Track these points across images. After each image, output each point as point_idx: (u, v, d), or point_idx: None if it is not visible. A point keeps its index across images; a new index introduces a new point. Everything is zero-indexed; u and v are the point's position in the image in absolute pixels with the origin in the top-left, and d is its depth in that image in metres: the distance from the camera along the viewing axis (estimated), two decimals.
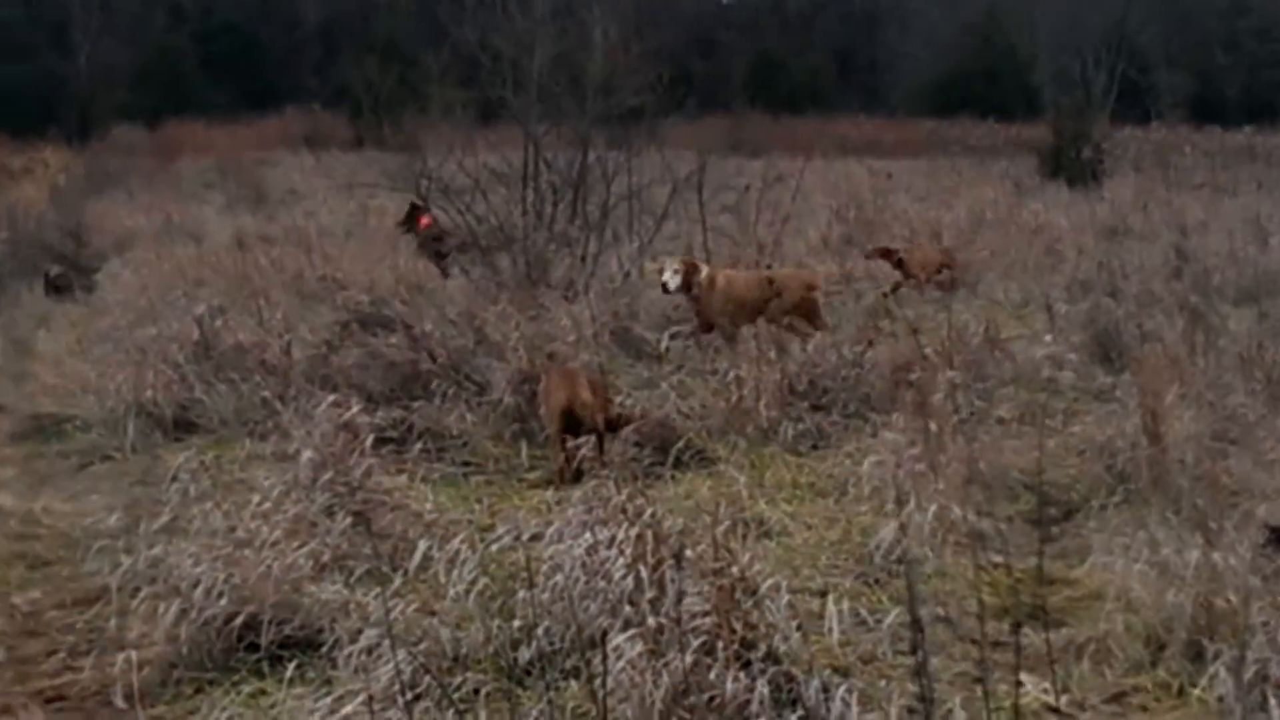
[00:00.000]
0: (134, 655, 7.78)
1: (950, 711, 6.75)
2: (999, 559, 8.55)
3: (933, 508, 9.40)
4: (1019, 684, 6.14)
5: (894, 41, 72.45)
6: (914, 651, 5.22)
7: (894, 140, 50.89)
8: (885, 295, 19.00)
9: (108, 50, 62.42)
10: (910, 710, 6.78)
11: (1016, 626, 6.13)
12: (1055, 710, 6.94)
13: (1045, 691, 7.04)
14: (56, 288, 20.34)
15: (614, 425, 11.63)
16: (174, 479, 10.43)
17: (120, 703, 7.49)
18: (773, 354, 13.34)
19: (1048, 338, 15.24)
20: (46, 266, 20.63)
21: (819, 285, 16.57)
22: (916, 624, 5.25)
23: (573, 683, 6.90)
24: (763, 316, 15.38)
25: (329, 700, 6.59)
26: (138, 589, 8.55)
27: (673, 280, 15.62)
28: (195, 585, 8.06)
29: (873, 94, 67.04)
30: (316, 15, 66.87)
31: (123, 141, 52.07)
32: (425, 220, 20.81)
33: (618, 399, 12.38)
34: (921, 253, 20.41)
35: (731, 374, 12.99)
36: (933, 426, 10.89)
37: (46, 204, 31.75)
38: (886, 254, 20.33)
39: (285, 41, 66.78)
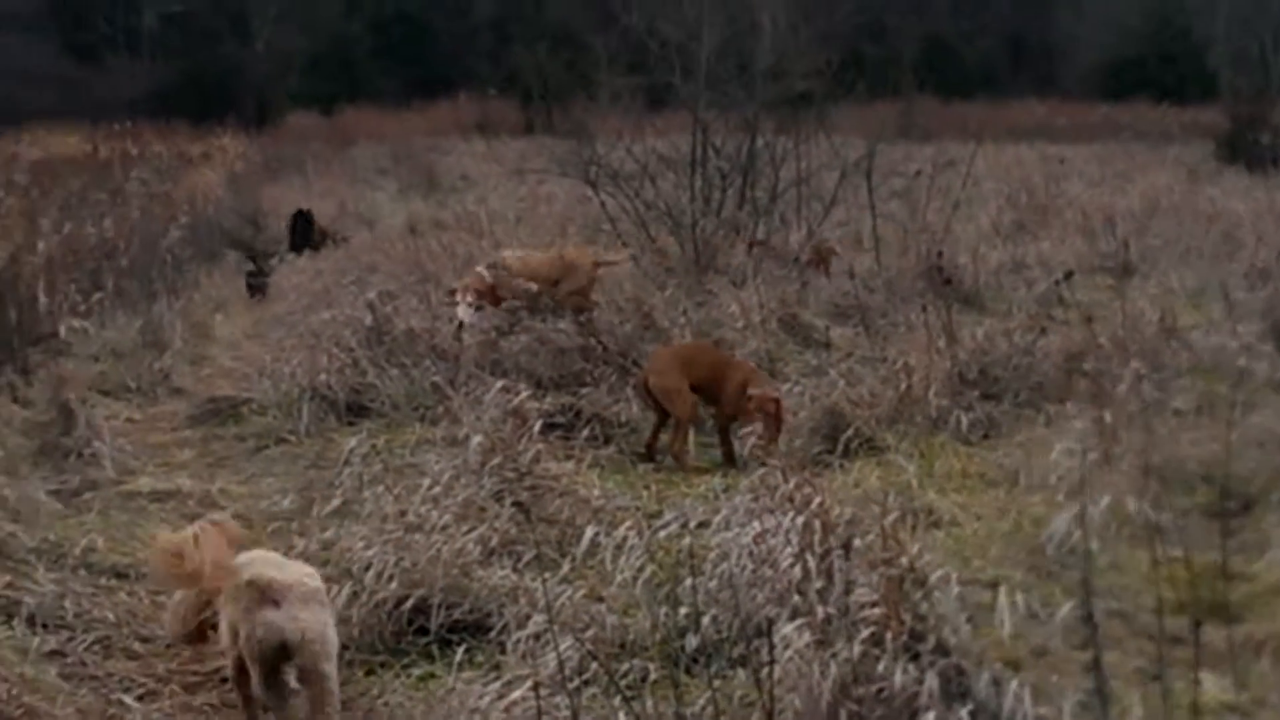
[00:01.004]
0: None
1: (1126, 708, 6.64)
2: (1177, 553, 8.40)
3: (1108, 499, 9.24)
4: (1197, 681, 6.02)
5: (1067, 24, 71.50)
6: (1089, 646, 5.12)
7: (1066, 124, 50.29)
8: (1058, 282, 18.75)
9: (284, 38, 63.17)
10: (1084, 706, 6.66)
11: (1197, 623, 6.00)
12: (1233, 708, 6.80)
13: (1224, 689, 6.90)
14: (253, 287, 20.31)
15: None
16: (346, 463, 10.56)
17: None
18: (943, 342, 13.20)
19: (1239, 328, 14.86)
20: (244, 265, 20.79)
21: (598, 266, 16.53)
22: (1091, 618, 5.15)
23: (739, 672, 6.87)
24: (552, 293, 15.69)
25: (497, 685, 6.61)
26: None
27: (468, 314, 14.85)
28: (367, 568, 8.14)
29: (1045, 77, 66.16)
30: (488, 3, 67.14)
31: (298, 128, 52.74)
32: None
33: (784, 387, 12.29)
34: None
35: (901, 362, 12.88)
36: (1108, 417, 10.71)
37: (225, 190, 32.16)
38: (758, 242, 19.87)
39: (457, 29, 67.12)
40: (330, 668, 6.60)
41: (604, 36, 20.92)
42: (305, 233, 22.76)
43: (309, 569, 7.07)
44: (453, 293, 15.12)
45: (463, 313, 14.75)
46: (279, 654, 6.56)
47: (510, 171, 26.92)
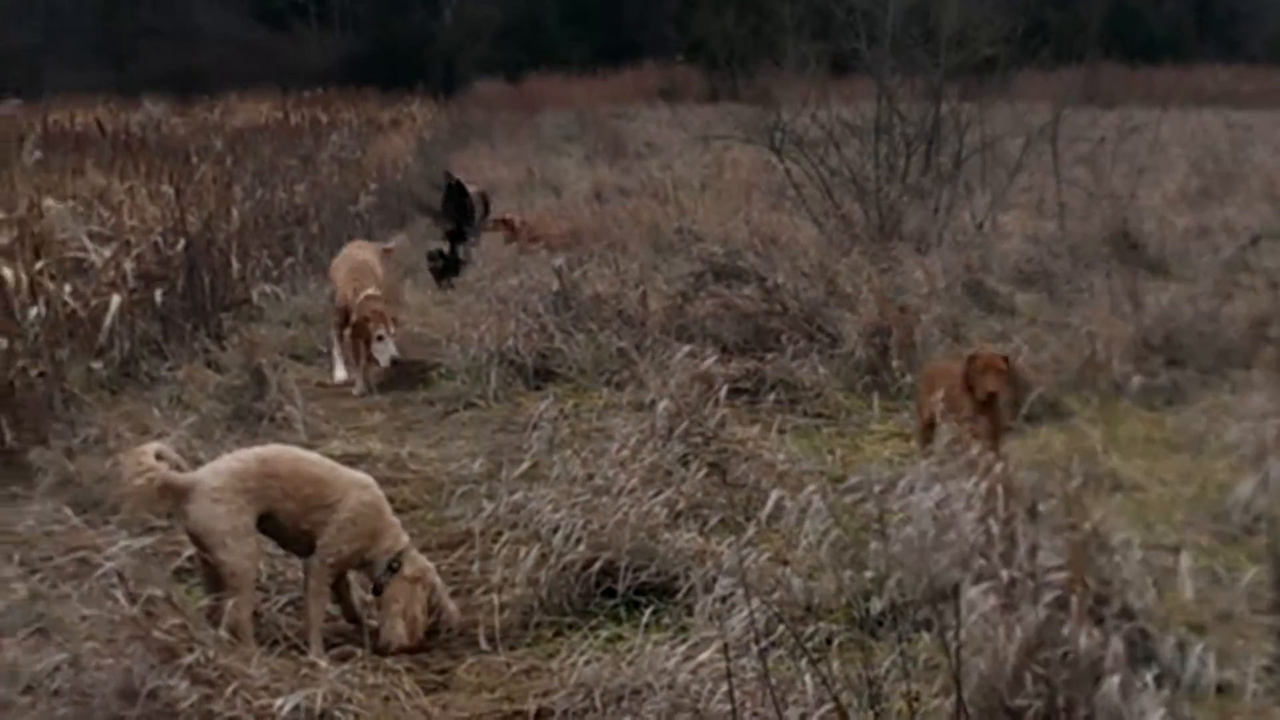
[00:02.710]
0: (496, 598, 8.00)
1: None
2: None
3: None
4: None
5: None
6: (1276, 610, 5.08)
7: (1253, 90, 49.32)
8: (1244, 248, 18.48)
9: (473, 7, 63.58)
10: (1269, 670, 6.63)
11: None
12: None
13: None
14: (439, 272, 19.42)
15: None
16: (534, 427, 10.68)
17: (484, 643, 7.68)
18: (1127, 308, 13.08)
19: None
20: (427, 247, 20.55)
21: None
22: (1279, 582, 5.11)
23: (924, 635, 6.87)
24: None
25: (684, 647, 6.64)
26: (499, 534, 8.79)
27: (386, 354, 13.64)
28: (555, 531, 8.23)
29: (1232, 42, 65.00)
30: None
31: (485, 95, 53.09)
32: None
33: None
34: (541, 225, 19.37)
35: (1085, 327, 12.80)
36: None
37: (414, 156, 32.46)
38: (505, 224, 19.46)
39: None
40: (223, 555, 7.28)
41: (790, 3, 20.83)
42: (460, 211, 20.05)
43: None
44: (363, 327, 13.69)
45: (390, 349, 13.64)
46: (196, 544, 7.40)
47: (695, 138, 26.84)
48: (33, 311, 11.46)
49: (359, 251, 15.02)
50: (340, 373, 14.10)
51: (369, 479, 7.93)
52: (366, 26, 64.01)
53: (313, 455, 8.07)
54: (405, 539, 7.84)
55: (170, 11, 62.22)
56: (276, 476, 7.58)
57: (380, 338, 13.48)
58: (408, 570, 7.65)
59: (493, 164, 31.08)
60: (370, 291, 13.89)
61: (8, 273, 11.62)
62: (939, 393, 9.37)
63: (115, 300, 13.04)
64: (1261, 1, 68.64)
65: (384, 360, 13.49)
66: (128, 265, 13.82)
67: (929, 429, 9.36)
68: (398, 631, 7.59)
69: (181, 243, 15.23)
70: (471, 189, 20.11)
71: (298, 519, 7.61)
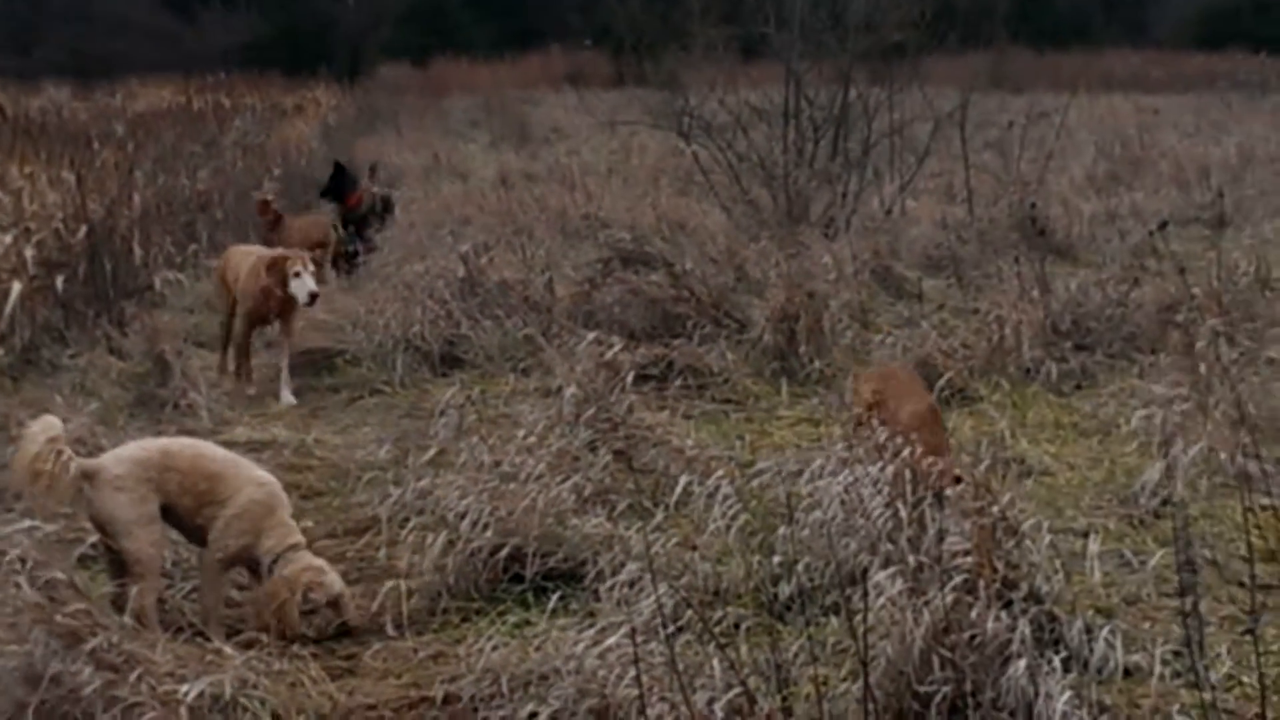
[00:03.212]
0: (403, 584, 7.97)
1: (1218, 655, 6.67)
2: (1268, 502, 8.40)
3: (1200, 449, 9.24)
4: None
5: None
6: (1185, 594, 5.14)
7: (1161, 75, 49.73)
8: (1152, 233, 18.61)
9: None
10: (1176, 654, 6.69)
11: None
12: None
13: None
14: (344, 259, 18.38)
15: None
16: (441, 413, 10.64)
17: (391, 629, 7.67)
18: (1036, 293, 13.18)
19: None
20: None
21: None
22: (1189, 565, 5.18)
23: (833, 619, 6.92)
24: None
25: (592, 632, 6.63)
26: (406, 520, 8.76)
27: (305, 289, 12.56)
28: (462, 517, 8.22)
29: (1138, 26, 65.52)
30: None
31: (391, 80, 52.88)
32: (355, 197, 18.89)
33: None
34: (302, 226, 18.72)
35: (994, 313, 12.88)
36: (1201, 368, 10.69)
37: (318, 142, 32.31)
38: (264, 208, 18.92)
39: None
40: (127, 543, 7.40)
41: None
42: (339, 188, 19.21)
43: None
44: (280, 263, 12.73)
45: (309, 284, 12.58)
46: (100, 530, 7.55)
47: (602, 124, 26.83)
48: None
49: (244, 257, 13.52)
50: (288, 395, 12.72)
51: (269, 477, 7.91)
52: (270, 10, 63.55)
53: (218, 451, 8.04)
54: (296, 538, 7.78)
55: None
56: (176, 470, 7.61)
57: (298, 274, 12.47)
58: (286, 570, 7.60)
59: (398, 149, 30.96)
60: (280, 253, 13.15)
61: None
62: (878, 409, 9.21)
63: (15, 287, 12.94)
64: None
65: (303, 297, 12.49)
66: (28, 252, 13.71)
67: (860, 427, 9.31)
68: (269, 628, 7.55)
69: (83, 229, 15.10)
70: (374, 189, 19.59)
71: (192, 514, 7.65)
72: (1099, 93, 37.59)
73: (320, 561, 7.82)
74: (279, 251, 13.27)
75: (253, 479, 7.81)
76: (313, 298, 12.58)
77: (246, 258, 13.34)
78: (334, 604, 7.66)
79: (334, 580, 7.70)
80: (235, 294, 13.17)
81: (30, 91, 39.62)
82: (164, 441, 7.95)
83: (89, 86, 41.89)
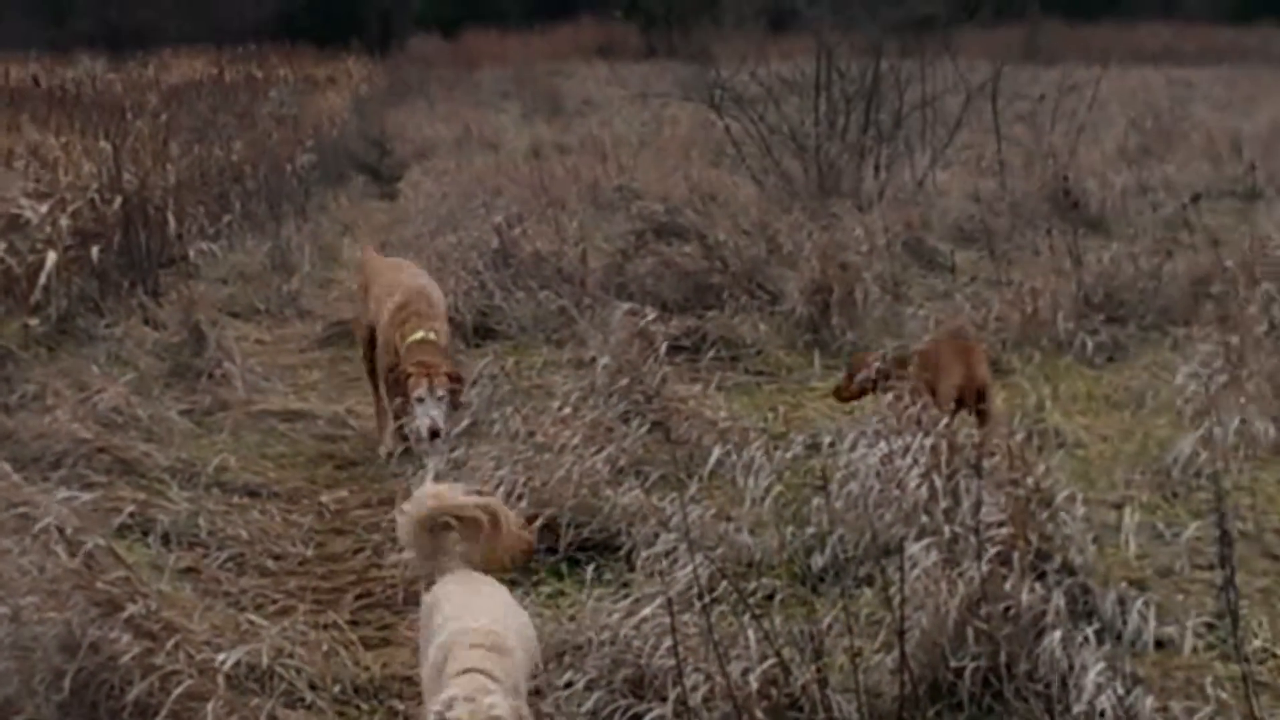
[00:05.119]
0: None
1: (1253, 628, 6.65)
2: None
3: (1235, 421, 9.21)
4: None
5: None
6: (1221, 566, 5.12)
7: (1192, 48, 49.42)
8: (1184, 206, 18.54)
9: None
10: (1209, 626, 6.69)
11: None
12: None
13: None
14: None
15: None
16: (474, 384, 10.63)
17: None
18: (1068, 265, 13.15)
19: None
20: None
21: None
22: (1226, 537, 5.14)
23: (867, 590, 6.91)
24: None
25: (627, 602, 6.65)
26: None
27: (424, 422, 9.59)
28: (497, 487, 8.19)
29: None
30: None
31: (422, 51, 52.78)
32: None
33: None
34: None
35: (1026, 285, 12.86)
36: (1234, 340, 10.65)
37: (350, 113, 32.31)
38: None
39: None
40: None
41: None
42: None
43: None
44: (402, 380, 9.77)
45: (431, 416, 9.58)
46: None
47: (633, 95, 26.79)
48: None
49: (411, 276, 10.98)
50: (388, 442, 10.24)
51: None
52: None
53: None
54: None
55: None
56: None
57: (420, 399, 9.62)
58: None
59: (430, 121, 30.94)
60: (421, 335, 10.05)
61: None
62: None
63: (51, 257, 12.96)
64: None
65: (423, 431, 9.57)
66: (64, 222, 13.73)
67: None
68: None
69: (118, 200, 15.11)
70: None
71: None
72: (1130, 65, 37.37)
73: None
74: (413, 354, 9.93)
75: None
76: (433, 436, 9.57)
77: (389, 287, 10.70)
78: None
79: None
80: (376, 328, 10.60)
81: (64, 62, 39.65)
82: None
83: (122, 57, 41.87)
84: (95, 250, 14.09)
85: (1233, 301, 12.37)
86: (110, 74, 35.66)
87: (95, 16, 54.74)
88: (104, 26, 51.81)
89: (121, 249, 14.77)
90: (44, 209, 13.61)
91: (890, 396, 8.64)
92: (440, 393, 9.55)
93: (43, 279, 12.79)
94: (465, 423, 9.82)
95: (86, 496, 7.96)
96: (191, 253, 16.56)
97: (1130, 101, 29.93)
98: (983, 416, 9.04)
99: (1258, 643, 6.57)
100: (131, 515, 8.28)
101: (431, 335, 10.00)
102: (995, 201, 18.20)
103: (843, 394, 9.68)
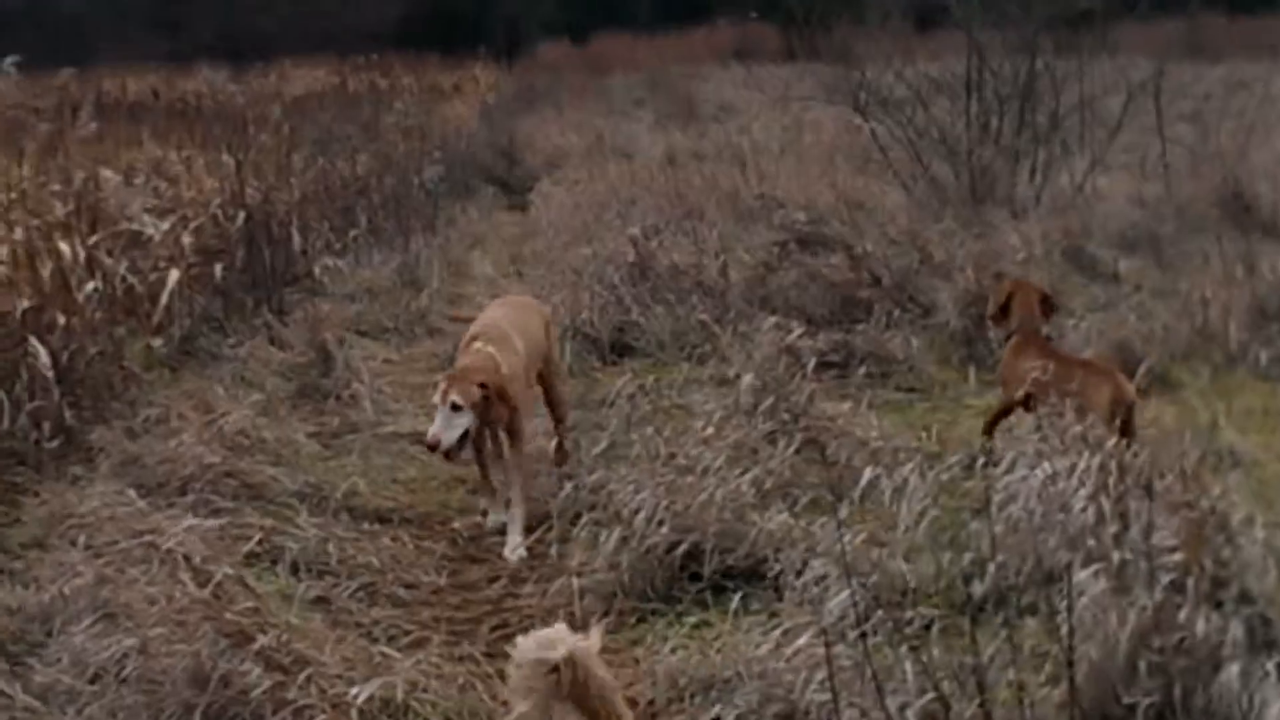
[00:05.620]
0: (575, 582, 8.00)
1: None
2: None
3: None
4: None
5: None
6: None
7: None
8: None
9: None
10: None
11: None
12: None
13: None
14: None
15: None
16: (611, 403, 10.66)
17: None
18: (1241, 273, 13.00)
19: None
20: None
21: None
22: None
23: (1030, 620, 6.84)
24: None
25: (777, 633, 6.63)
26: (578, 515, 8.79)
27: (436, 430, 9.01)
28: (636, 512, 8.22)
29: None
30: None
31: (550, 58, 53.06)
32: None
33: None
34: None
35: (1196, 294, 12.72)
36: None
37: (478, 123, 32.50)
38: None
39: None
40: None
41: None
42: None
43: None
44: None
45: (445, 427, 8.97)
46: None
47: (773, 100, 26.78)
48: (89, 287, 11.55)
49: (495, 308, 10.66)
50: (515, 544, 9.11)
51: None
52: None
53: None
54: None
55: None
56: None
57: (435, 405, 9.11)
58: None
59: (560, 129, 31.03)
60: (478, 346, 9.54)
61: (64, 247, 11.70)
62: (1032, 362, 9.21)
63: (173, 275, 13.13)
64: None
65: (429, 436, 9.05)
66: (186, 239, 13.92)
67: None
68: None
69: (241, 215, 15.32)
70: None
71: None
72: None
73: None
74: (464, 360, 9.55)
75: None
76: (431, 449, 9.19)
77: (473, 326, 10.10)
78: None
79: None
80: None
81: (184, 74, 40.20)
82: None
83: (243, 68, 42.40)
84: (218, 268, 14.27)
85: None
86: (231, 85, 36.12)
87: (214, 27, 55.50)
88: (223, 37, 52.50)
89: (245, 266, 14.96)
90: (166, 225, 13.79)
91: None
92: (456, 400, 8.90)
93: (165, 298, 12.95)
94: (603, 445, 9.80)
95: (213, 523, 8.09)
96: (317, 269, 16.72)
97: None
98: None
99: None
100: (259, 543, 8.36)
101: (489, 348, 9.43)
102: (1160, 206, 18.01)
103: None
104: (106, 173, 14.83)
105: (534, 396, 9.94)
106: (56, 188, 13.76)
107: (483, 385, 8.95)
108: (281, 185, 17.39)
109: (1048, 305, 9.95)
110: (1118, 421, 8.43)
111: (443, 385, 9.07)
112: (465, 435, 9.01)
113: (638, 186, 20.67)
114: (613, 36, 56.04)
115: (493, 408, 9.02)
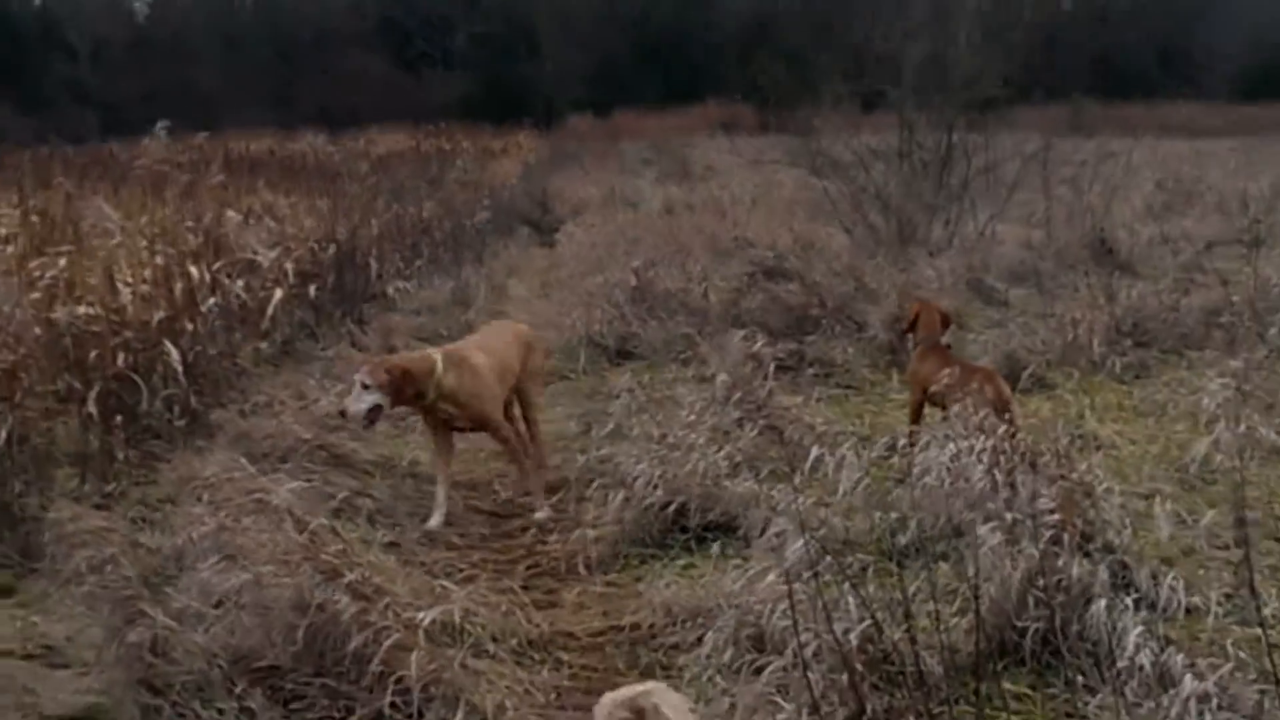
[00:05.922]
0: (590, 533, 7.99)
1: (1266, 597, 6.52)
2: None
3: (1242, 427, 9.06)
4: None
5: (1209, 34, 68.78)
6: (1239, 545, 5.02)
7: (1215, 123, 48.69)
8: (1199, 252, 18.30)
9: (567, 54, 63.78)
10: (1228, 596, 6.58)
11: None
12: None
13: None
14: None
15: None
16: (617, 395, 10.70)
17: (583, 570, 7.68)
18: (1103, 300, 13.08)
19: None
20: None
21: None
22: (1242, 522, 5.05)
23: (944, 564, 6.82)
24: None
25: (748, 574, 6.63)
26: (591, 481, 8.77)
27: (354, 403, 8.46)
28: (636, 479, 8.22)
29: (1195, 81, 64.03)
30: (732, 24, 66.54)
31: (577, 128, 52.99)
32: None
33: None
34: None
35: (1068, 316, 12.81)
36: (1240, 360, 10.82)
37: (519, 178, 32.46)
38: None
39: (709, 39, 66.63)
40: None
41: (827, 53, 20.70)
42: None
43: None
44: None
45: (362, 402, 8.40)
46: None
47: (749, 163, 26.73)
48: (211, 301, 11.52)
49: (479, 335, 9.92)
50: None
51: None
52: (480, 70, 64.37)
53: None
54: None
55: (325, 58, 62.75)
56: None
57: (366, 385, 8.43)
58: None
59: (583, 184, 30.98)
60: (427, 350, 9.20)
61: (194, 271, 11.68)
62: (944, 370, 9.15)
63: (278, 293, 13.08)
64: (1216, 45, 67.17)
65: (349, 411, 8.50)
66: (288, 265, 13.86)
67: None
68: None
69: (332, 248, 15.36)
70: None
71: None
72: (1158, 137, 36.82)
73: None
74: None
75: None
76: (341, 414, 8.73)
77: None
78: None
79: None
80: None
81: (292, 138, 40.24)
82: None
83: (338, 133, 42.46)
84: (313, 288, 14.24)
85: (1238, 330, 12.41)
86: (329, 147, 36.11)
87: (317, 101, 55.57)
88: (324, 109, 52.54)
89: (334, 287, 14.95)
90: (273, 254, 13.75)
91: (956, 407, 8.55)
92: (364, 380, 8.40)
93: (270, 310, 12.91)
94: (610, 427, 9.85)
95: (308, 484, 8.05)
96: (389, 290, 16.68)
97: (1157, 167, 29.45)
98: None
99: (1269, 610, 6.41)
100: (344, 500, 8.32)
101: (434, 352, 8.92)
102: (1043, 249, 18.06)
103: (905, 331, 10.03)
104: (229, 213, 14.86)
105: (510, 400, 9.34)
106: (190, 224, 13.78)
107: (388, 371, 8.45)
108: (364, 225, 17.35)
109: (946, 321, 9.90)
110: (1006, 415, 8.39)
111: (361, 368, 8.66)
112: (377, 409, 8.43)
113: (641, 229, 20.65)
114: (627, 111, 55.97)
115: (401, 391, 8.46)
